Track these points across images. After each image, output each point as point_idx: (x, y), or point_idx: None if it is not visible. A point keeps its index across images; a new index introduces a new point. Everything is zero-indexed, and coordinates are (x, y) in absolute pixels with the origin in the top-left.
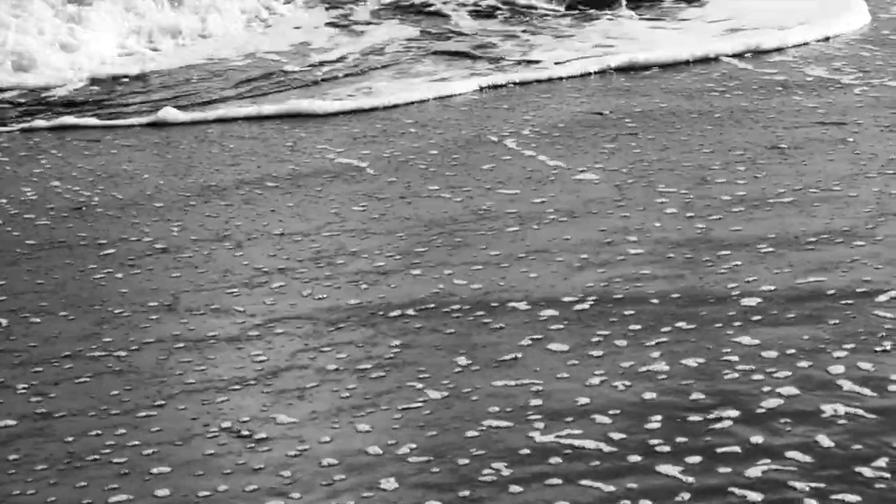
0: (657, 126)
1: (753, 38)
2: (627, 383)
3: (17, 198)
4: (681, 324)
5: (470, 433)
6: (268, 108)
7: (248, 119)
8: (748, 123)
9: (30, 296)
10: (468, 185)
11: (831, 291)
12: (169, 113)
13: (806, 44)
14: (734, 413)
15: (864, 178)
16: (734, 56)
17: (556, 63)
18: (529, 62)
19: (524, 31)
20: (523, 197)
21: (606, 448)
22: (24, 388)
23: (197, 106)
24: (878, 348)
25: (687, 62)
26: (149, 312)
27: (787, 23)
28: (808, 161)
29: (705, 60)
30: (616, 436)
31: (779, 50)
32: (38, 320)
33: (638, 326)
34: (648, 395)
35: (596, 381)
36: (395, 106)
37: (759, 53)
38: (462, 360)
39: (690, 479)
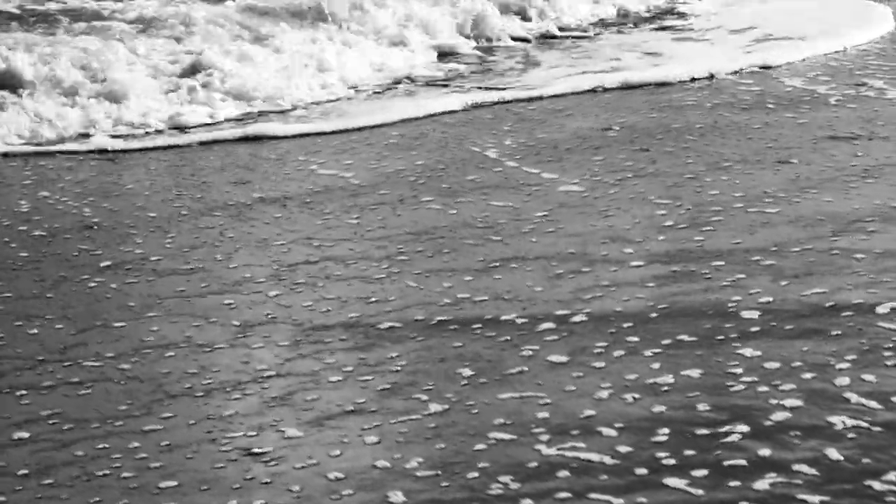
0: (653, 141)
1: (768, 53)
2: (633, 396)
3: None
4: (682, 336)
5: (478, 446)
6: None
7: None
8: (745, 137)
9: (31, 304)
10: (462, 198)
11: (830, 303)
12: (101, 140)
13: (825, 54)
14: (741, 426)
15: (862, 190)
16: (736, 73)
17: (550, 81)
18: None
19: (533, 47)
20: (517, 209)
21: (615, 462)
22: (28, 401)
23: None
24: (882, 361)
25: (693, 79)
26: (149, 323)
27: (807, 32)
28: (806, 173)
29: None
30: (623, 449)
31: (790, 63)
32: (38, 332)
33: (636, 339)
34: (655, 409)
35: (601, 394)
36: (375, 126)
37: (767, 68)
38: (466, 372)
39: (700, 492)
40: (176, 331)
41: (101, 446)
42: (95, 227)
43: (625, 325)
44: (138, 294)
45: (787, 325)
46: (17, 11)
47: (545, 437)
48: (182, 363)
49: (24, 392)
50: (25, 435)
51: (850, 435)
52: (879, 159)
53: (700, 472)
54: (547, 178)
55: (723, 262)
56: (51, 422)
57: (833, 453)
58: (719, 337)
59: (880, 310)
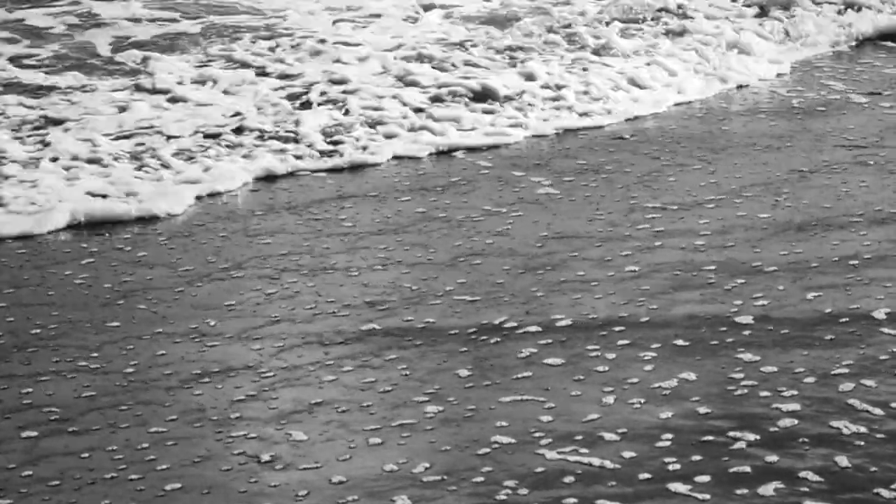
0: (639, 158)
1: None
2: (636, 401)
3: None
4: (681, 342)
5: (482, 451)
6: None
7: None
8: (721, 151)
9: (39, 312)
10: (456, 207)
11: (828, 309)
12: None
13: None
14: (746, 432)
15: (854, 196)
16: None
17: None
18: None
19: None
20: (512, 214)
21: (620, 467)
22: (29, 400)
23: None
24: (883, 366)
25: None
26: (153, 328)
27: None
28: (799, 183)
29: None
30: (628, 454)
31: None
32: (46, 334)
33: (636, 343)
34: (659, 415)
35: (604, 399)
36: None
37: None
38: (467, 375)
39: (706, 496)
40: (180, 335)
41: (108, 448)
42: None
43: (625, 329)
44: (147, 304)
45: (784, 329)
46: None
47: (550, 442)
48: (187, 367)
49: (28, 390)
50: (33, 434)
51: (857, 442)
52: (880, 167)
53: (707, 479)
54: (544, 182)
55: (715, 267)
56: (56, 423)
57: (840, 461)
58: (717, 342)
59: (877, 315)
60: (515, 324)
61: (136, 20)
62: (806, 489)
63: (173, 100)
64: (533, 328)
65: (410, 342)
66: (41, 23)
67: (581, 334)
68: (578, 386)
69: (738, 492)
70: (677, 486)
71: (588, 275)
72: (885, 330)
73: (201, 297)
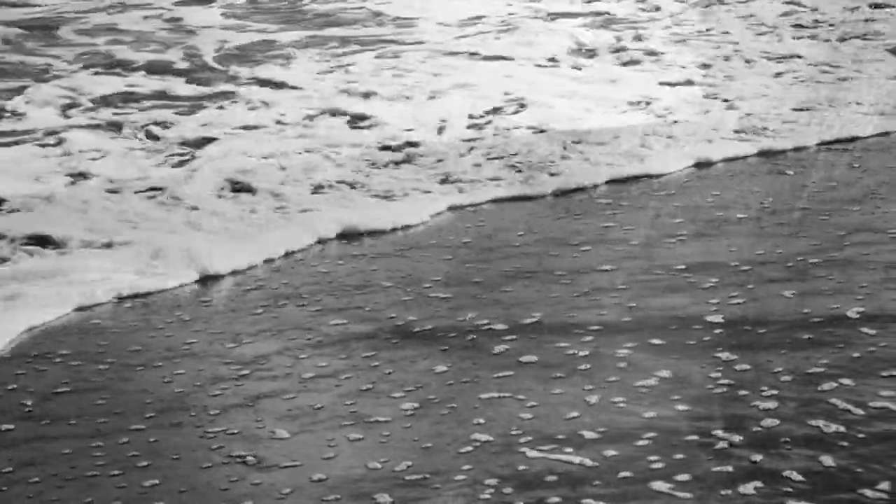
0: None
1: None
2: (617, 401)
3: None
4: (660, 341)
5: (464, 449)
6: None
7: None
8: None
9: None
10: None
11: (806, 310)
12: None
13: None
14: (729, 432)
15: (838, 199)
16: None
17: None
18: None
19: None
20: (503, 222)
21: (602, 467)
22: (10, 392)
23: None
24: (861, 366)
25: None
26: (145, 328)
27: None
28: (774, 186)
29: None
30: (610, 453)
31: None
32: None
33: (618, 343)
34: (641, 414)
35: (585, 398)
36: None
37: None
38: (447, 375)
39: (688, 496)
40: (160, 334)
41: (91, 444)
42: None
43: (602, 328)
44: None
45: (760, 329)
46: None
47: (530, 441)
48: (172, 367)
49: (13, 387)
50: (10, 427)
51: (840, 442)
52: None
53: (688, 478)
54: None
55: (690, 266)
56: (34, 419)
57: (824, 461)
58: (694, 342)
59: (852, 315)
60: (493, 322)
61: (238, 28)
62: (789, 489)
63: None
64: (511, 327)
65: (388, 340)
66: (135, 27)
67: (559, 333)
68: (558, 384)
69: (721, 492)
70: (659, 486)
71: (566, 274)
72: (863, 330)
73: (182, 297)
